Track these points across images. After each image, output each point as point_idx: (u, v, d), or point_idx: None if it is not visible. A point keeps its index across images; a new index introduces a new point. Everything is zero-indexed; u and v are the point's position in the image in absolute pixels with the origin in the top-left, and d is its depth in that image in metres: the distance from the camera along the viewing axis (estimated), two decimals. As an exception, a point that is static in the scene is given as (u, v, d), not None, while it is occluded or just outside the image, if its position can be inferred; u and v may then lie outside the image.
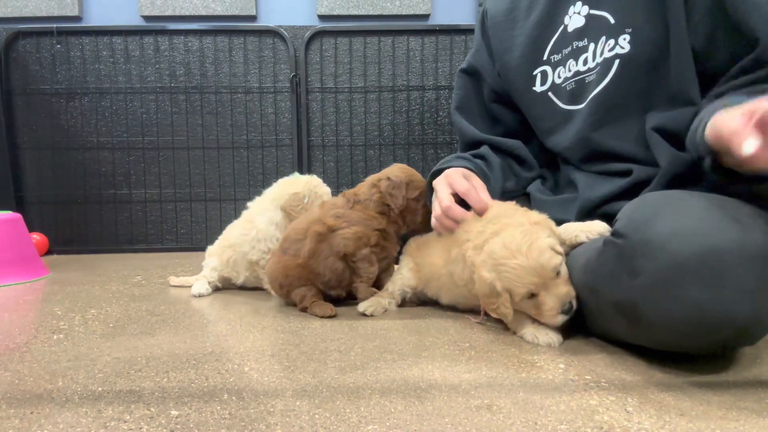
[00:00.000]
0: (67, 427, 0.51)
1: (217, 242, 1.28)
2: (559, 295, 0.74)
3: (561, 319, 0.75)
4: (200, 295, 1.18)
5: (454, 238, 0.89)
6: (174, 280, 1.32)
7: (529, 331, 0.78)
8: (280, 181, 1.25)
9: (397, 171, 1.04)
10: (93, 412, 0.55)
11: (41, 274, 1.51)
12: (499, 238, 0.77)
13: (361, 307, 0.96)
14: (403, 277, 1.00)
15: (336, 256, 0.97)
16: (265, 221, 1.18)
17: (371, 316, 0.95)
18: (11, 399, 0.59)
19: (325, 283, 0.99)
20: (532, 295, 0.75)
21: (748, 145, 0.54)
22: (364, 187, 1.04)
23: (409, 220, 1.03)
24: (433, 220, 0.96)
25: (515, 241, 0.74)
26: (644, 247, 0.61)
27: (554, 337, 0.76)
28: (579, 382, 0.61)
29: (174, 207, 2.13)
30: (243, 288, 1.25)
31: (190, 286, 1.23)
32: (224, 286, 1.26)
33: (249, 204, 1.27)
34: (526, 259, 0.73)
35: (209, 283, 1.22)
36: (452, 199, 0.93)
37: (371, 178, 1.05)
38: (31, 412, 0.55)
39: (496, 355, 0.71)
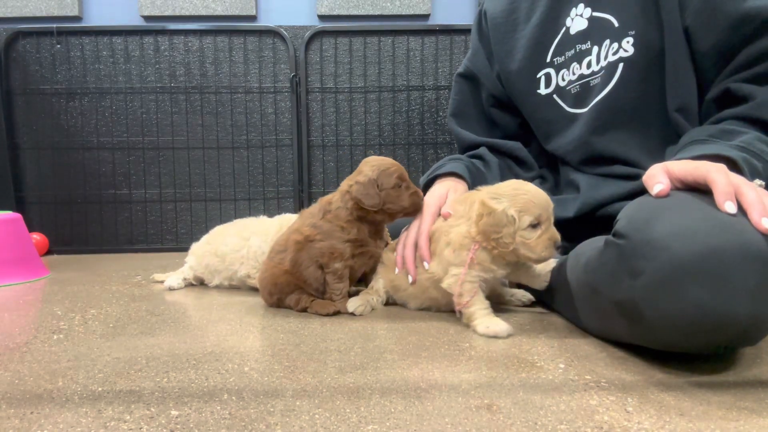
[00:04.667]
0: (67, 427, 0.51)
1: (202, 242, 1.29)
2: (553, 232, 0.83)
3: (553, 253, 0.82)
4: (171, 289, 1.23)
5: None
6: (159, 276, 1.34)
7: (482, 323, 0.81)
8: (282, 216, 1.27)
9: (366, 169, 0.97)
10: (93, 412, 0.55)
11: (41, 274, 1.51)
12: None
13: (351, 306, 0.95)
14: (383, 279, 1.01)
15: (316, 266, 0.97)
16: (262, 247, 1.17)
17: (360, 315, 0.94)
18: (11, 399, 0.59)
19: (314, 289, 0.99)
20: (533, 227, 0.82)
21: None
22: (337, 195, 0.99)
23: (395, 209, 0.95)
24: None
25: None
26: (645, 248, 0.60)
27: (505, 327, 0.79)
28: (579, 382, 0.61)
29: (174, 207, 2.13)
30: (219, 288, 1.26)
31: None
32: (201, 284, 1.30)
33: (261, 218, 1.28)
34: (536, 191, 0.82)
35: (184, 279, 1.26)
36: (412, 248, 0.92)
37: (344, 185, 0.99)
38: (31, 412, 0.55)
39: (496, 355, 0.71)
